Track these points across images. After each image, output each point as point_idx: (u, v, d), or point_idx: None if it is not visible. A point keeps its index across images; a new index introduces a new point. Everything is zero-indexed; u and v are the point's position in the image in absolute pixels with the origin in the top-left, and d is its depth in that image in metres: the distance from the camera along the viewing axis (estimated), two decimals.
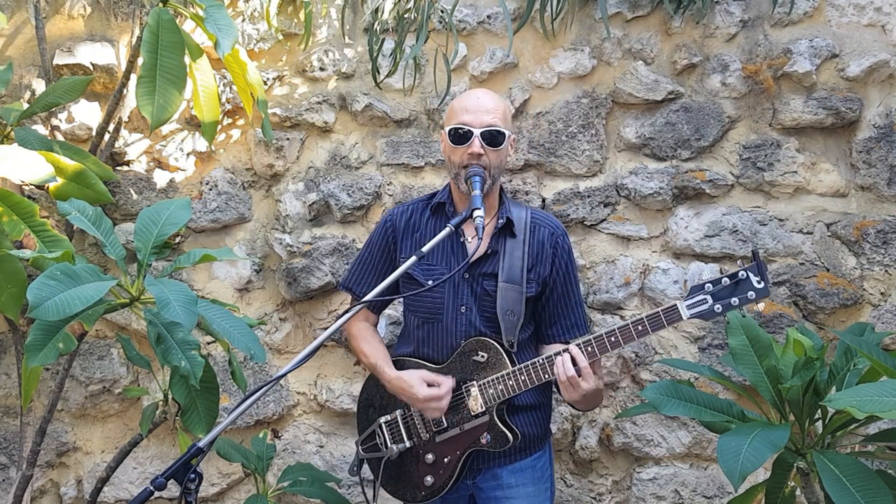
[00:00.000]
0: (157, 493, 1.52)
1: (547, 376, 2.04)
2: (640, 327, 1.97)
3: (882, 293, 2.67)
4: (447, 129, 2.11)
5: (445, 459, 2.13)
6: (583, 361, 1.98)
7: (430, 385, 2.09)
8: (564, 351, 2.01)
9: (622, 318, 2.76)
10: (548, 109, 2.81)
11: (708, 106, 2.75)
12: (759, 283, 1.89)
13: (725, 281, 1.92)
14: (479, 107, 2.08)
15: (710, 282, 1.93)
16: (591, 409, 2.14)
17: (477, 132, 2.05)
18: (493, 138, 2.06)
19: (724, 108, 2.75)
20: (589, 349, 2.00)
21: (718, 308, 1.92)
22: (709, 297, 1.92)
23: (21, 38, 2.85)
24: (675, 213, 2.77)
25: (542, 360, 2.04)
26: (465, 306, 2.14)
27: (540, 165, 2.82)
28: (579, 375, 1.97)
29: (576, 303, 2.23)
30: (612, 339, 1.99)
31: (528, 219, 2.19)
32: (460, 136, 2.07)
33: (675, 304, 1.95)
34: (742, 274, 1.91)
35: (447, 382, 2.09)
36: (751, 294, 1.90)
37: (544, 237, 2.19)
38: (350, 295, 2.36)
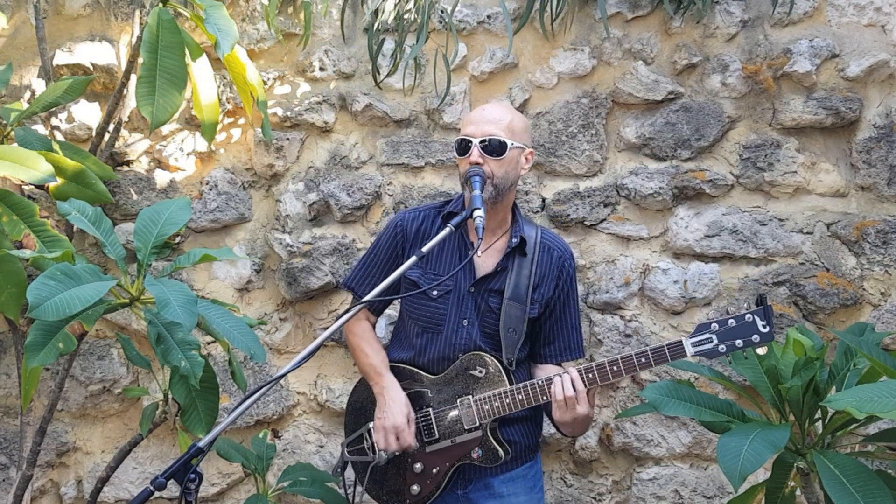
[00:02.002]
0: (157, 493, 1.52)
1: (545, 398, 2.06)
2: (643, 359, 2.00)
3: (882, 293, 2.67)
4: (454, 142, 2.14)
5: (434, 470, 2.13)
6: (580, 386, 2.00)
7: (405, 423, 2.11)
8: (565, 373, 2.03)
9: (622, 318, 2.77)
10: (548, 109, 2.81)
11: (708, 106, 2.74)
12: (764, 327, 1.93)
13: (731, 322, 1.96)
14: (483, 118, 2.11)
15: (716, 321, 1.97)
16: (576, 435, 2.18)
17: (476, 141, 2.07)
18: (492, 147, 2.06)
19: (724, 108, 2.75)
20: (590, 376, 2.02)
21: (723, 348, 1.96)
22: (714, 337, 1.97)
23: (21, 38, 2.84)
24: (675, 213, 2.77)
25: (542, 381, 2.06)
26: (468, 320, 2.15)
27: (540, 165, 2.81)
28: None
29: (572, 326, 2.25)
30: (615, 367, 2.01)
31: (538, 238, 2.21)
32: (463, 147, 2.10)
33: (681, 341, 1.99)
34: (748, 317, 1.95)
35: (411, 443, 2.11)
36: (755, 337, 1.94)
37: (552, 259, 2.21)
38: (351, 294, 2.36)
